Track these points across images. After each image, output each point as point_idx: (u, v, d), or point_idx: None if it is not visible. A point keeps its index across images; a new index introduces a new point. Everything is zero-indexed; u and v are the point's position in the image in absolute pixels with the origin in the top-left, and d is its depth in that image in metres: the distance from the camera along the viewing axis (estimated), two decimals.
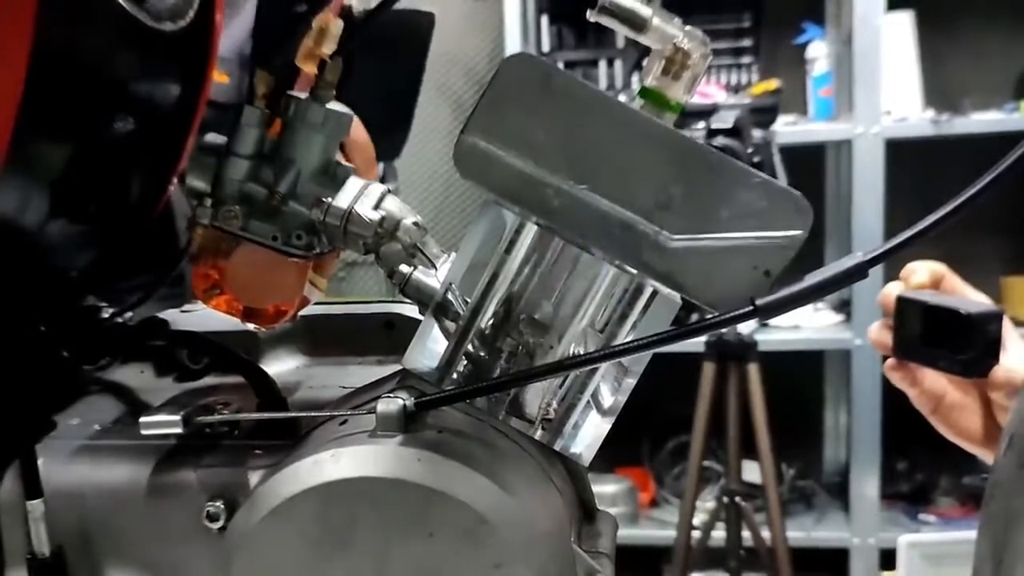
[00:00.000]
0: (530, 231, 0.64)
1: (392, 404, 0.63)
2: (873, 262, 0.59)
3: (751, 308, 0.59)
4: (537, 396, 0.68)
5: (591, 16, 0.63)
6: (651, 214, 0.60)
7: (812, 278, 0.60)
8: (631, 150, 0.60)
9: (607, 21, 0.63)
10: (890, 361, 0.74)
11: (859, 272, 0.59)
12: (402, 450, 0.61)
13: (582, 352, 0.67)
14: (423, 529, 0.60)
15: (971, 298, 0.74)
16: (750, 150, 2.16)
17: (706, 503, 2.63)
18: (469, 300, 0.66)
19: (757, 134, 2.21)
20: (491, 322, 0.67)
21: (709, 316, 0.61)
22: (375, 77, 0.78)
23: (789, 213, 0.59)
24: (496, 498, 0.60)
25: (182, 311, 0.91)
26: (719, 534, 2.31)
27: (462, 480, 0.60)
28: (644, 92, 0.63)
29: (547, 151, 0.60)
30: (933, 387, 0.75)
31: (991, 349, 0.68)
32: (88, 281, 0.82)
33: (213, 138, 0.73)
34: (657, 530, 2.80)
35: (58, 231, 0.73)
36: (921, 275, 0.74)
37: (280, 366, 0.84)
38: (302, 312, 0.81)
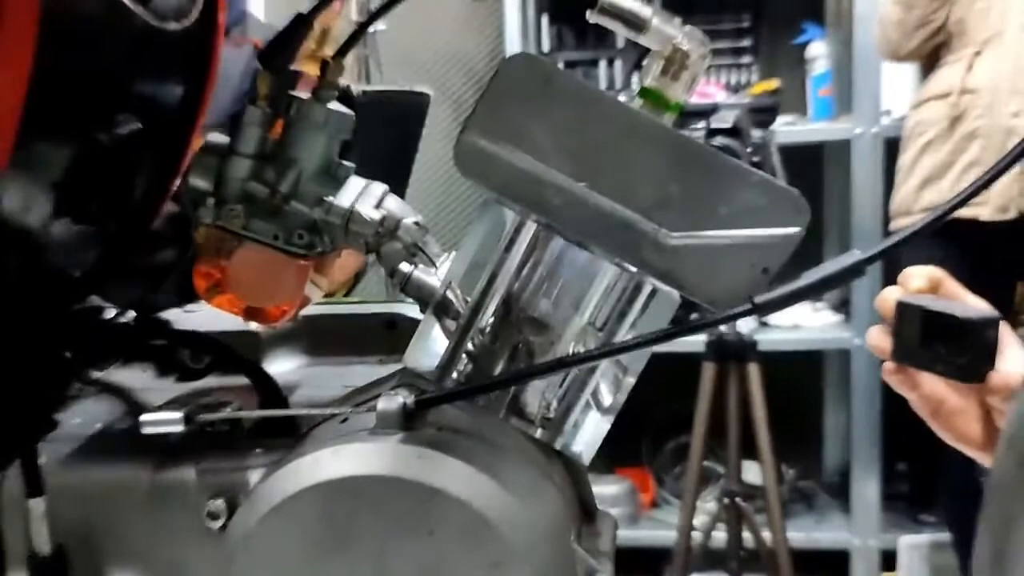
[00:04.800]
0: (530, 229, 0.64)
1: (392, 402, 0.63)
2: (871, 260, 0.59)
3: (749, 306, 0.59)
4: (537, 395, 0.68)
5: (591, 17, 0.64)
6: (650, 212, 0.60)
7: (810, 276, 0.60)
8: (630, 149, 0.60)
9: (607, 22, 0.63)
10: (888, 365, 0.74)
11: (857, 270, 0.59)
12: (402, 448, 0.61)
13: (582, 350, 0.67)
14: (423, 527, 0.60)
15: (970, 303, 0.75)
16: (750, 150, 2.16)
17: (706, 504, 2.63)
18: (469, 299, 0.66)
19: (757, 134, 2.21)
20: (491, 320, 0.67)
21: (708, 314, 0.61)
22: (370, 155, 0.79)
23: (787, 211, 0.59)
24: (496, 497, 0.60)
25: (184, 311, 0.92)
26: (720, 535, 2.31)
27: (462, 478, 0.60)
28: (644, 92, 0.63)
29: (547, 150, 0.60)
30: (932, 392, 0.75)
31: (988, 354, 0.68)
32: (91, 281, 0.83)
33: (216, 138, 0.73)
34: (657, 531, 2.79)
35: (61, 231, 0.73)
36: (919, 280, 0.74)
37: (282, 366, 0.85)
38: (304, 312, 0.81)
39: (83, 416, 0.76)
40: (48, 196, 0.70)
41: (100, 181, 0.75)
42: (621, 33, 0.64)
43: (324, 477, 0.61)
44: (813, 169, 3.09)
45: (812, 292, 0.60)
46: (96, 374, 0.84)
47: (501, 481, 0.61)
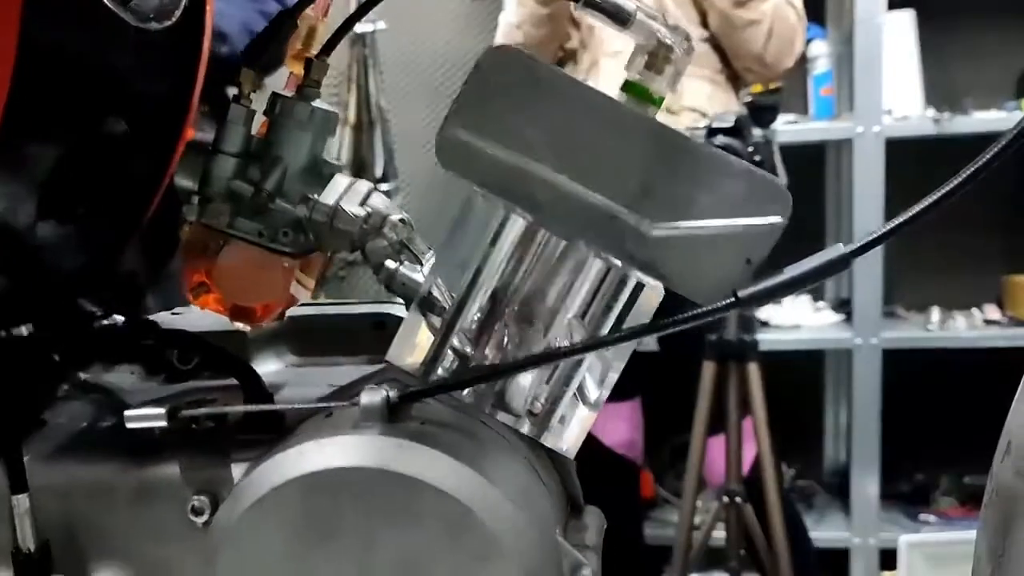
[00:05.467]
0: (515, 223, 0.64)
1: (376, 395, 0.63)
2: (856, 253, 0.59)
3: (733, 299, 0.59)
4: (523, 389, 0.68)
5: (576, 10, 0.63)
6: (633, 203, 0.60)
7: (794, 269, 0.60)
8: (611, 139, 0.60)
9: (591, 15, 0.63)
10: None
11: (842, 263, 0.59)
12: (385, 440, 0.61)
13: (567, 344, 0.67)
14: (407, 519, 0.60)
15: None
16: (750, 149, 2.16)
17: (706, 503, 2.62)
18: (455, 294, 0.66)
19: (757, 133, 2.21)
20: (477, 316, 0.67)
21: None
22: None
23: (768, 201, 0.59)
24: (481, 489, 0.60)
25: (172, 312, 0.92)
26: (719, 534, 2.31)
27: (446, 471, 0.60)
28: (627, 86, 0.63)
29: (528, 142, 0.60)
30: None
31: None
32: (79, 282, 0.83)
33: (200, 136, 0.74)
34: (657, 530, 2.79)
35: (47, 231, 0.73)
36: None
37: (268, 366, 0.84)
38: (292, 312, 0.81)
39: (69, 415, 0.76)
40: (33, 196, 0.70)
41: (86, 181, 0.75)
42: (606, 27, 0.64)
43: (308, 469, 0.61)
44: (814, 169, 3.09)
45: (797, 285, 0.60)
46: (83, 375, 0.84)
47: (486, 474, 0.61)
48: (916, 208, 0.58)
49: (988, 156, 0.57)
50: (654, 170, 0.60)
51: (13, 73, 0.61)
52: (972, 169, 0.57)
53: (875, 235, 0.59)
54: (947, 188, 0.57)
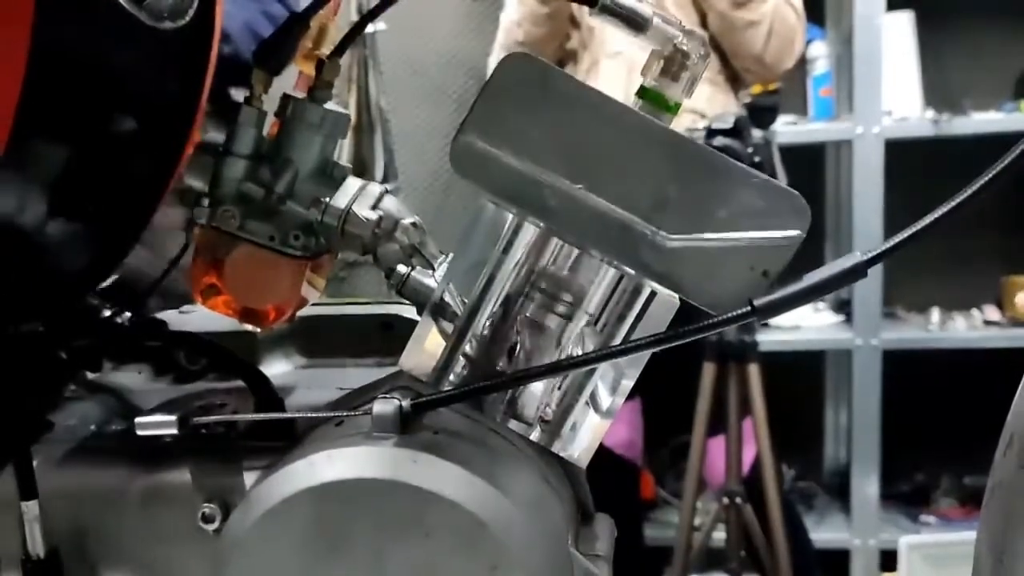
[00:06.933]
0: (528, 231, 0.64)
1: (388, 405, 0.62)
2: (872, 262, 0.59)
3: (749, 309, 0.59)
4: (535, 397, 0.68)
5: (591, 15, 0.63)
6: (648, 214, 0.59)
7: (811, 278, 0.59)
8: (628, 149, 0.59)
9: (607, 21, 0.63)
10: None
11: (858, 272, 0.59)
12: (398, 451, 0.61)
13: (580, 353, 0.66)
14: (419, 531, 0.59)
15: None
16: (750, 150, 2.15)
17: (706, 504, 2.62)
18: (467, 300, 0.66)
19: (757, 134, 2.20)
20: (489, 322, 0.66)
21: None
22: None
23: (787, 213, 0.59)
24: (493, 500, 0.60)
25: (180, 312, 0.91)
26: (719, 535, 2.31)
27: (458, 482, 0.60)
28: (643, 92, 0.63)
29: (544, 151, 0.60)
30: None
31: None
32: (87, 281, 0.82)
33: (211, 137, 0.73)
34: (657, 531, 2.79)
35: (56, 230, 0.73)
36: None
37: (277, 367, 0.84)
38: (300, 313, 0.80)
39: (77, 418, 0.76)
40: (43, 194, 0.70)
41: (96, 179, 0.74)
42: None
43: (319, 480, 0.60)
44: (813, 169, 3.09)
45: (813, 295, 0.59)
46: (91, 375, 0.83)
47: (498, 484, 0.61)
48: (937, 213, 0.58)
49: (1011, 158, 0.57)
50: (671, 180, 0.59)
51: (25, 73, 0.61)
52: (996, 170, 0.57)
53: (892, 243, 0.59)
54: (970, 190, 0.57)
